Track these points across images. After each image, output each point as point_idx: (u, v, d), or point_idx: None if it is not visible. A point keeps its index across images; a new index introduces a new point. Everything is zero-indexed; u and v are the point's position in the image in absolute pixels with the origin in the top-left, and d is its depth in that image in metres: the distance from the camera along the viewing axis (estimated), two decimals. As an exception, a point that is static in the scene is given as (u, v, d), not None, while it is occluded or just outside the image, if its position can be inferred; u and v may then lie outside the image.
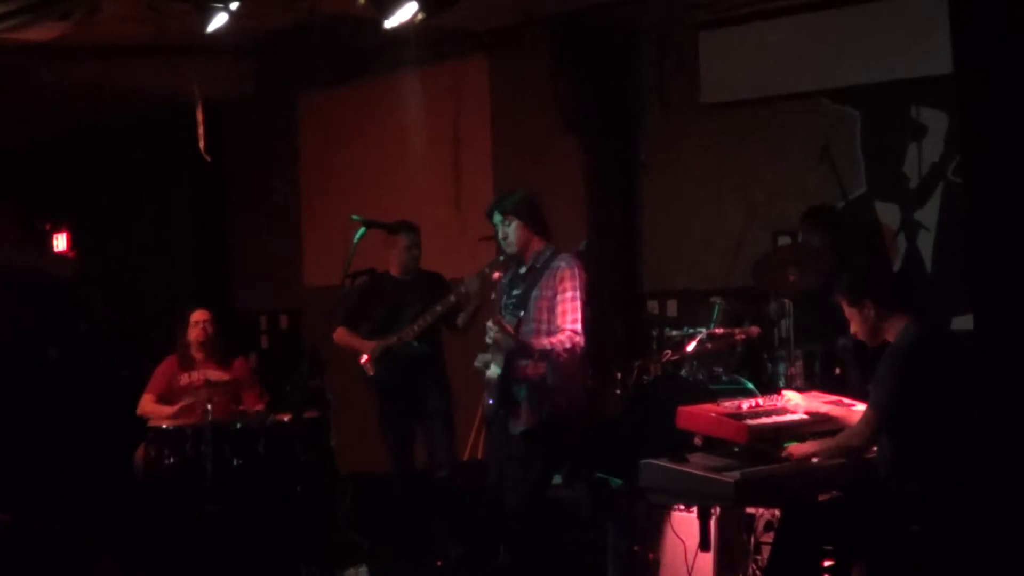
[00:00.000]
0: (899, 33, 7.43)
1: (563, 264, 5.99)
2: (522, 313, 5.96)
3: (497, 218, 6.07)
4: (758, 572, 5.87)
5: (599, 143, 8.74)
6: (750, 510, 5.84)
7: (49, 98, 9.90)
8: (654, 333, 7.37)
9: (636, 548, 6.19)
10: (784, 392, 5.78)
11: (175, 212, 11.52)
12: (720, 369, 6.96)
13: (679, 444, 5.51)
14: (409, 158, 9.83)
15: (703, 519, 5.68)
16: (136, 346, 10.52)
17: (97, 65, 9.19)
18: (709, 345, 6.96)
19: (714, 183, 8.41)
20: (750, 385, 6.71)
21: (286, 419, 7.43)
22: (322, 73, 10.00)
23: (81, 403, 10.30)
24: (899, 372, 5.00)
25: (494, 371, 5.93)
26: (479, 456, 8.58)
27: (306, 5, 7.83)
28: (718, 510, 5.75)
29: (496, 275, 6.17)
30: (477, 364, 6.07)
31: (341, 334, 7.55)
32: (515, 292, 6.08)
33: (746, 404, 5.54)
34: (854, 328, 5.26)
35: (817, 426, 5.42)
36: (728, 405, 5.52)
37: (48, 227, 11.58)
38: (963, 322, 6.79)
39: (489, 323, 5.87)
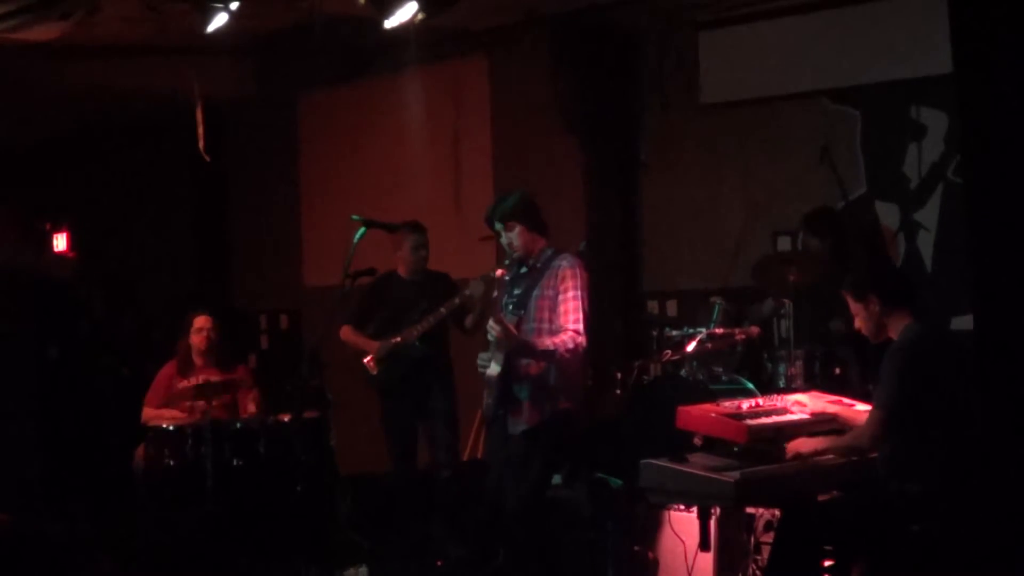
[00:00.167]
0: (899, 33, 7.43)
1: (564, 263, 5.99)
2: (522, 312, 5.96)
3: (498, 226, 6.07)
4: (758, 572, 5.87)
5: (599, 143, 8.74)
6: (750, 510, 5.85)
7: (49, 98, 9.90)
8: (654, 333, 7.37)
9: (636, 548, 6.20)
10: (790, 395, 5.78)
11: (175, 212, 11.53)
12: (720, 369, 6.97)
13: (679, 444, 5.51)
14: (409, 158, 9.84)
15: (703, 519, 5.69)
16: (136, 346, 10.51)
17: (97, 65, 9.19)
18: (709, 345, 6.97)
19: (714, 183, 8.41)
20: (750, 385, 6.73)
21: (286, 419, 7.42)
22: (322, 73, 9.99)
23: (81, 403, 10.26)
24: (901, 371, 5.01)
25: (494, 369, 5.93)
26: (479, 456, 8.57)
27: (306, 5, 7.82)
28: (718, 510, 5.76)
29: (499, 272, 6.17)
30: (479, 363, 6.08)
31: (347, 332, 7.56)
32: (516, 291, 6.07)
33: (746, 404, 5.54)
34: (858, 324, 5.27)
35: (819, 426, 5.41)
36: (728, 405, 5.52)
37: (48, 227, 11.54)
38: (963, 322, 6.79)
39: (490, 322, 5.87)
